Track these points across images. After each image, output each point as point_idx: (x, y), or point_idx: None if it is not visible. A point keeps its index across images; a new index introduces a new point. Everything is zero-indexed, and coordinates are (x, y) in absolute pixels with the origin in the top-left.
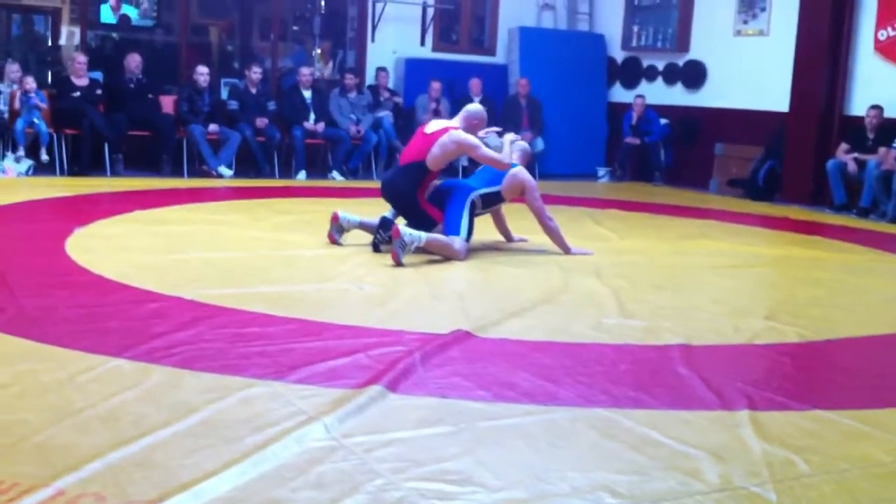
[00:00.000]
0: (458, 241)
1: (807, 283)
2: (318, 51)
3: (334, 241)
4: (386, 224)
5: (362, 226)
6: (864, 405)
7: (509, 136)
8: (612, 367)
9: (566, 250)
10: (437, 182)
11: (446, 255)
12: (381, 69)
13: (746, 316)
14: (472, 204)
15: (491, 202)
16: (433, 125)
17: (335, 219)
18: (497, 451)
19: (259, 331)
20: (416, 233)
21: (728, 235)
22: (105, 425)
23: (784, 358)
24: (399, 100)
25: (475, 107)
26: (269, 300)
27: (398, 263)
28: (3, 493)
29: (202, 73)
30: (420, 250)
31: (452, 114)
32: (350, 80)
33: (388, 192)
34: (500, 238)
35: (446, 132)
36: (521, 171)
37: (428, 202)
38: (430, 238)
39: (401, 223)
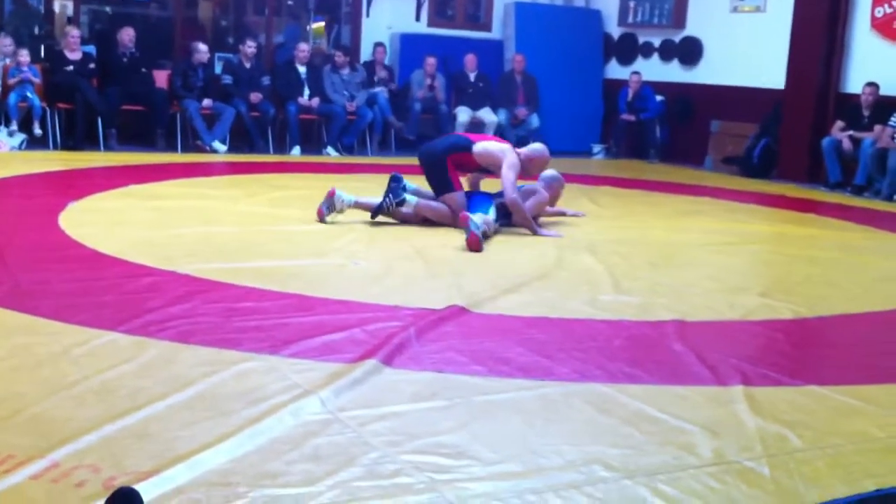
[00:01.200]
0: (489, 218)
1: (801, 261)
2: (313, 26)
3: (322, 216)
4: (396, 188)
5: (359, 205)
6: (857, 381)
7: None
8: (607, 343)
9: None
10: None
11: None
12: (378, 45)
13: (741, 293)
14: (497, 207)
15: (507, 212)
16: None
17: (331, 194)
18: (492, 425)
19: (254, 305)
20: (480, 219)
21: (723, 213)
22: (100, 398)
23: (778, 334)
24: (393, 87)
25: (538, 146)
26: (264, 275)
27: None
28: None
29: (202, 50)
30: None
31: (447, 89)
32: (340, 57)
33: (423, 152)
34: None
35: (508, 143)
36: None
37: (454, 172)
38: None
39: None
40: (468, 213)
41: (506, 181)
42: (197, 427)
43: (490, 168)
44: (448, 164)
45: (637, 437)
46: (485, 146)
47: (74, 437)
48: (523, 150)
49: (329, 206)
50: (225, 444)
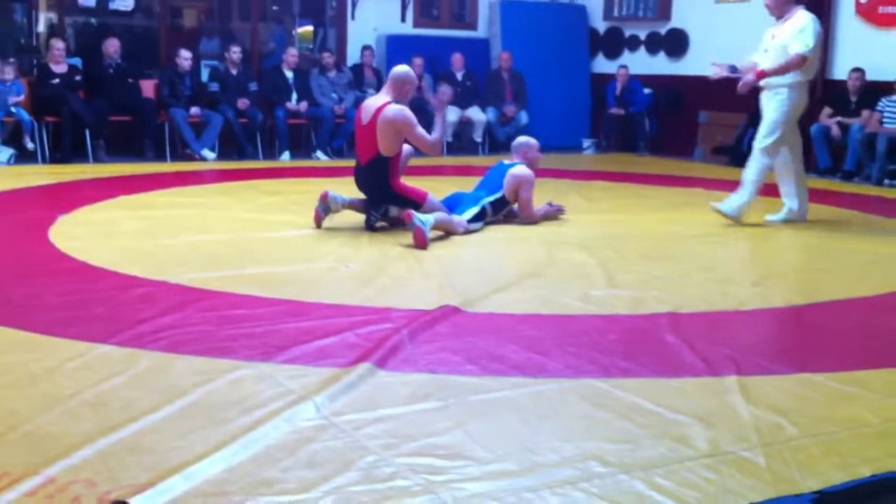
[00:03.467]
0: (457, 217)
1: (793, 248)
2: (300, 30)
3: (319, 219)
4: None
5: (352, 205)
6: (850, 367)
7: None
8: (601, 338)
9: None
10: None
11: (449, 231)
12: (366, 47)
13: (734, 283)
14: (483, 209)
15: (499, 207)
16: (367, 111)
17: (324, 197)
18: (487, 424)
19: (246, 312)
20: (425, 217)
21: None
22: (95, 412)
23: (771, 323)
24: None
25: (398, 69)
26: (256, 281)
27: (424, 246)
28: None
29: (185, 57)
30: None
31: (434, 89)
32: (328, 58)
33: (363, 191)
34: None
35: (380, 114)
36: (519, 170)
37: (405, 186)
38: (437, 220)
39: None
40: (412, 212)
41: (421, 143)
42: (191, 437)
43: (405, 137)
44: (391, 184)
45: (632, 430)
46: (382, 144)
47: (69, 452)
48: (389, 89)
49: (325, 209)
50: (220, 454)
